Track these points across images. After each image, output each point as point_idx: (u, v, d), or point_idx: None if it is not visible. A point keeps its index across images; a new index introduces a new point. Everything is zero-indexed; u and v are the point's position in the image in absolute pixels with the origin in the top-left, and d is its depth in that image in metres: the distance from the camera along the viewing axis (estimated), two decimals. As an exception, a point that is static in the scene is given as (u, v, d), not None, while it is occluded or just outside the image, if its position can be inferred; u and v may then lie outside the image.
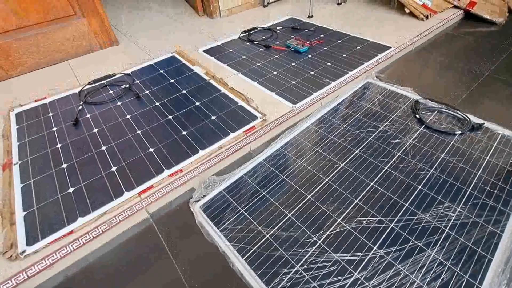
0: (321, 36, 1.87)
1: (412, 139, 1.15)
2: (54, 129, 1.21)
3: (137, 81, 1.50)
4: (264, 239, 0.85)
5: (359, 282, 0.74)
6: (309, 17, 2.18)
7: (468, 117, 1.21)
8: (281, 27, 2.02)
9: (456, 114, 1.24)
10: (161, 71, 1.57)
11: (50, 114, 1.30)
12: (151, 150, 1.07)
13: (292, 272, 0.77)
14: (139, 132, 1.16)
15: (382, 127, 1.22)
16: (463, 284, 0.72)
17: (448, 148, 1.09)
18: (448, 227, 0.84)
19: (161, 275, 0.79)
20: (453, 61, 1.65)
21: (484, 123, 1.17)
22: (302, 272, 0.77)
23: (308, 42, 1.76)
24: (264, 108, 1.26)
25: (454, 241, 0.81)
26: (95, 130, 1.19)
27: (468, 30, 2.00)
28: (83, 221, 0.84)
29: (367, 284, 0.73)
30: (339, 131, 1.21)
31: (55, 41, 1.73)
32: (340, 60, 1.59)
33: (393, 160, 1.06)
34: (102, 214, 0.86)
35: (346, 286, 0.73)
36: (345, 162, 1.07)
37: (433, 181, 0.98)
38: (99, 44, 1.91)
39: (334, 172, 1.04)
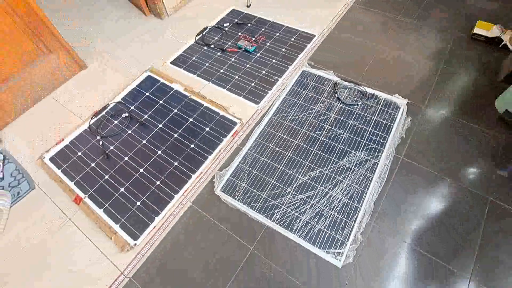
0: (262, 30, 2.30)
1: (334, 113, 1.83)
2: (93, 165, 1.64)
3: (132, 107, 1.89)
4: (262, 197, 1.53)
5: (311, 204, 1.48)
6: (248, 6, 2.52)
7: (366, 90, 1.90)
8: (228, 24, 2.37)
9: (359, 89, 1.93)
10: (147, 94, 1.95)
11: (80, 153, 1.70)
12: (176, 163, 1.61)
13: (281, 209, 1.48)
14: (159, 152, 1.66)
15: (316, 108, 1.87)
16: (359, 193, 1.51)
17: (354, 116, 1.80)
18: (353, 165, 1.60)
19: (211, 232, 1.45)
20: (361, 36, 2.26)
21: (374, 93, 1.89)
22: (286, 208, 1.49)
23: (254, 39, 2.21)
24: (238, 112, 1.80)
25: (356, 172, 1.58)
26: (126, 158, 1.65)
27: (371, 3, 2.56)
28: (158, 219, 1.43)
29: (315, 203, 1.48)
30: (290, 117, 1.84)
31: (34, 81, 1.93)
32: (281, 55, 2.10)
33: (324, 131, 1.75)
34: (167, 212, 1.45)
35: (305, 208, 1.47)
36: (297, 139, 1.74)
37: (346, 140, 1.70)
38: (71, 73, 2.12)
39: (292, 147, 1.70)
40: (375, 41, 2.21)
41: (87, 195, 1.53)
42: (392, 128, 1.72)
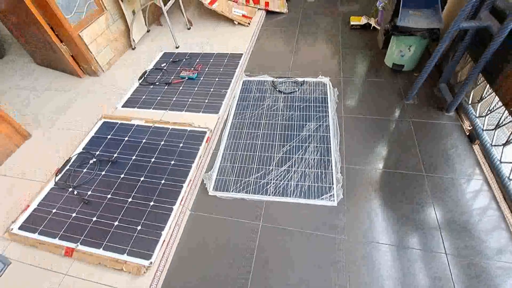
0: (197, 60, 2.63)
1: (281, 102, 2.19)
2: (74, 214, 1.56)
3: (98, 152, 1.88)
4: (252, 181, 1.69)
5: (294, 170, 1.71)
6: (176, 47, 2.85)
7: (297, 80, 2.35)
8: (165, 64, 2.64)
9: (292, 80, 2.36)
10: (110, 136, 1.98)
11: (54, 210, 1.59)
12: (163, 181, 1.66)
13: (272, 184, 1.66)
14: (142, 178, 1.69)
15: (265, 103, 2.20)
16: (326, 149, 1.82)
17: (297, 99, 2.19)
18: (312, 132, 1.93)
19: (220, 226, 1.51)
20: (275, 47, 2.79)
21: (304, 80, 2.34)
22: (275, 181, 1.67)
23: (193, 68, 2.51)
24: (203, 124, 1.99)
25: (316, 135, 1.90)
26: (109, 195, 1.63)
27: (272, 21, 3.21)
28: (165, 232, 1.44)
29: (296, 169, 1.72)
30: (248, 115, 2.11)
31: (-23, 162, 1.78)
32: (221, 74, 2.44)
33: (279, 117, 2.07)
34: (171, 223, 1.47)
35: (291, 175, 1.69)
36: (261, 129, 2.00)
37: (298, 117, 2.05)
38: (17, 144, 2.01)
39: (260, 137, 1.95)
40: (290, 46, 2.77)
41: (78, 243, 1.44)
42: (327, 98, 2.16)
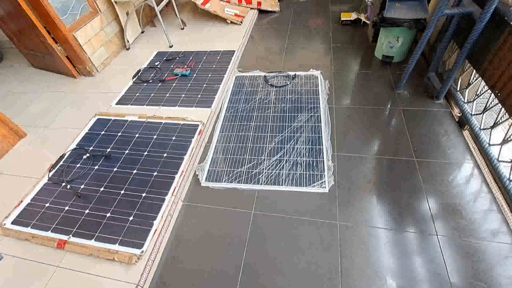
0: (190, 58, 2.66)
1: (273, 95, 2.21)
2: (67, 208, 1.57)
3: (91, 148, 1.90)
4: (244, 171, 1.70)
5: (285, 160, 1.72)
6: (170, 47, 2.89)
7: (289, 74, 2.37)
8: (158, 62, 2.67)
9: (284, 74, 2.39)
10: (103, 132, 1.99)
11: (47, 204, 1.60)
12: (155, 173, 1.67)
13: (264, 173, 1.67)
14: (135, 171, 1.70)
15: (258, 96, 2.22)
16: (317, 139, 1.83)
17: (288, 92, 2.21)
18: (303, 123, 1.94)
19: (212, 216, 1.52)
20: (268, 44, 2.83)
21: (295, 73, 2.37)
22: (267, 171, 1.68)
23: (186, 65, 2.54)
24: (196, 118, 2.01)
25: (308, 126, 1.91)
26: (102, 188, 1.63)
27: (264, 20, 3.25)
28: (157, 222, 1.44)
29: (288, 158, 1.73)
30: (240, 109, 2.13)
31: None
32: (214, 70, 2.46)
33: (270, 110, 2.09)
34: (163, 213, 1.48)
35: (282, 164, 1.70)
36: (253, 121, 2.02)
37: (290, 109, 2.07)
38: (11, 144, 2.02)
39: (252, 129, 1.96)
40: (282, 42, 2.80)
41: (70, 235, 1.44)
42: (319, 90, 2.18)
